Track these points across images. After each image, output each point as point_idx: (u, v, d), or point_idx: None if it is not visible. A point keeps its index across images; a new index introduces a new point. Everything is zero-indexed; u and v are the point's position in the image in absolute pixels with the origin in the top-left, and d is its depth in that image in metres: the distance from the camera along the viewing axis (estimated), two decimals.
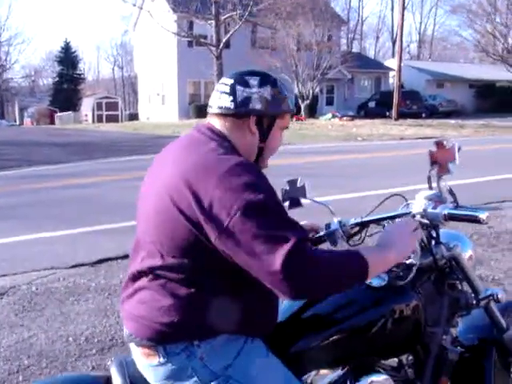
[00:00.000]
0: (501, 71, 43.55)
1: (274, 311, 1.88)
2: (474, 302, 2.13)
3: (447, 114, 39.72)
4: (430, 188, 2.07)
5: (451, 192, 2.03)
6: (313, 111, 37.52)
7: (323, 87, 41.70)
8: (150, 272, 1.75)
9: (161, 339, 1.72)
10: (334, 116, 35.82)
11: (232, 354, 1.73)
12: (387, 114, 35.31)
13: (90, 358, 3.79)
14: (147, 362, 1.77)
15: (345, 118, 34.71)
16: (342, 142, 21.20)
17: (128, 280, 1.86)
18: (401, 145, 19.49)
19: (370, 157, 15.95)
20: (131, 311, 1.80)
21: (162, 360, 1.73)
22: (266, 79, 1.85)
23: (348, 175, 11.76)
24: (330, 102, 43.31)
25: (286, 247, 1.53)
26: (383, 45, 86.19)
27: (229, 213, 1.57)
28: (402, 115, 33.77)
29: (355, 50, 67.21)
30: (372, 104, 40.65)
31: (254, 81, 1.82)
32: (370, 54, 76.46)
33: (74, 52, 70.02)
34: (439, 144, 2.02)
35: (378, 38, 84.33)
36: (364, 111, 40.49)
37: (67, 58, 67.91)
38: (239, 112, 1.81)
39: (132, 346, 1.82)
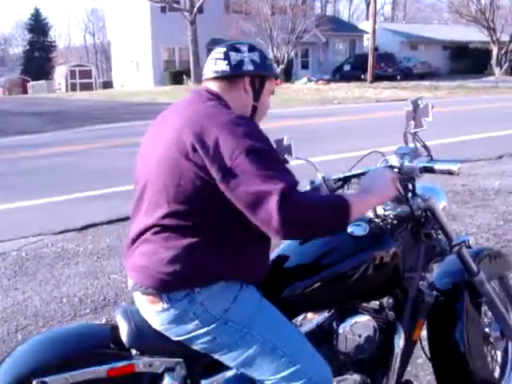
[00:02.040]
0: (474, 32, 43.79)
1: (267, 259, 2.06)
2: (448, 248, 2.32)
3: (422, 76, 39.90)
4: (407, 144, 2.24)
5: (425, 146, 2.20)
6: (288, 75, 37.47)
7: (298, 51, 41.63)
8: (154, 224, 1.89)
9: (164, 287, 1.87)
10: (309, 80, 35.78)
11: (229, 299, 1.89)
12: (362, 77, 35.42)
13: (84, 317, 3.96)
14: (152, 309, 1.92)
15: (320, 82, 34.71)
16: (317, 106, 21.33)
17: (131, 236, 2.01)
18: (376, 107, 19.66)
19: (346, 120, 16.10)
20: (135, 263, 1.95)
21: (165, 306, 1.88)
22: (253, 46, 2.07)
23: (324, 138, 11.91)
24: (305, 66, 43.27)
25: (281, 186, 1.70)
26: (357, 7, 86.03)
27: (231, 155, 1.74)
28: (377, 78, 33.92)
29: (329, 13, 67.02)
30: (347, 67, 40.68)
31: (244, 47, 2.04)
32: (344, 16, 76.21)
33: (45, 19, 68.74)
34: (414, 103, 2.20)
35: (351, 0, 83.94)
36: (339, 75, 40.51)
37: (38, 26, 66.70)
38: (235, 73, 2.00)
39: (136, 294, 1.97)
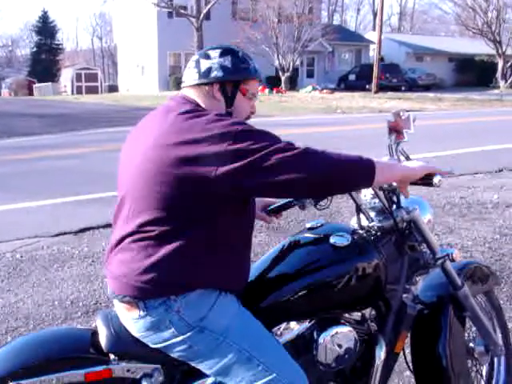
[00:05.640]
0: (480, 45, 43.81)
1: (246, 267, 2.06)
2: (432, 261, 2.32)
3: (427, 88, 39.97)
4: (391, 155, 2.25)
5: (408, 158, 2.21)
6: (293, 84, 37.59)
7: (304, 60, 41.72)
8: (134, 231, 1.90)
9: (141, 295, 1.88)
10: (314, 88, 35.89)
11: (206, 307, 1.89)
12: (367, 86, 35.48)
13: (75, 320, 3.97)
14: (129, 316, 1.93)
15: (325, 91, 34.82)
16: (321, 115, 21.34)
17: (112, 243, 2.01)
18: (379, 117, 19.63)
19: (349, 129, 16.11)
20: (114, 271, 1.96)
21: (142, 313, 1.89)
22: (227, 50, 2.02)
23: (325, 147, 11.89)
24: (310, 75, 43.34)
25: (291, 146, 1.77)
26: (364, 17, 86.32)
27: (220, 145, 1.74)
28: (381, 88, 33.98)
29: (336, 22, 67.22)
30: (352, 77, 40.75)
31: (215, 53, 2.01)
32: (351, 26, 76.35)
33: (52, 22, 69.10)
34: (396, 115, 2.21)
35: (358, 10, 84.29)
36: (344, 84, 40.61)
37: (45, 28, 67.09)
38: (202, 81, 1.99)
39: (115, 301, 1.98)
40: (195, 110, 1.91)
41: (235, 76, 2.00)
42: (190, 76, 2.03)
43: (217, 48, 2.04)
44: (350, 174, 1.84)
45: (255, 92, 2.09)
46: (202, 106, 1.99)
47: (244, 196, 1.91)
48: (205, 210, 1.86)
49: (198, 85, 2.00)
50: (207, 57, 2.01)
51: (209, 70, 1.99)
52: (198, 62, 2.02)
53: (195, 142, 1.78)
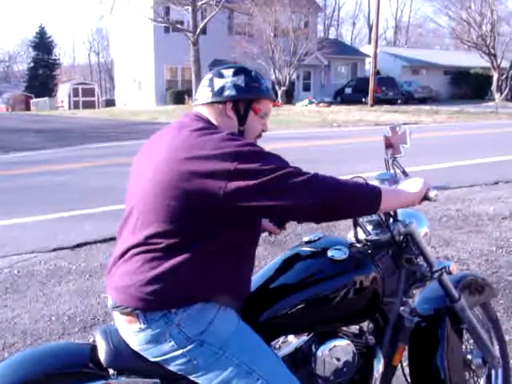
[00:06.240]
0: (475, 58, 44.04)
1: (247, 281, 2.07)
2: (429, 274, 2.34)
3: (422, 101, 40.15)
4: (388, 169, 2.27)
5: (404, 172, 2.23)
6: (290, 97, 37.71)
7: (300, 73, 41.91)
8: (141, 243, 1.91)
9: (142, 307, 1.89)
10: (310, 102, 36.01)
11: (206, 321, 1.90)
12: (363, 100, 35.60)
13: (72, 335, 3.96)
14: (129, 329, 1.94)
15: (321, 104, 34.95)
16: (317, 128, 21.42)
17: (116, 254, 2.02)
18: (375, 131, 19.71)
19: (344, 142, 16.15)
20: (117, 282, 1.96)
21: (142, 326, 1.90)
22: (240, 70, 2.07)
23: (321, 161, 11.94)
24: (306, 88, 43.51)
25: (301, 171, 1.81)
26: (360, 31, 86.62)
27: (231, 163, 1.78)
28: (377, 101, 34.10)
29: (332, 36, 67.57)
30: (348, 90, 40.89)
31: (228, 72, 2.05)
32: (347, 40, 76.75)
33: (50, 37, 69.37)
34: (393, 129, 2.23)
35: (354, 24, 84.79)
36: (340, 97, 40.74)
37: (42, 44, 67.34)
38: (216, 100, 2.03)
39: (115, 314, 1.99)
40: (208, 128, 1.95)
41: (248, 95, 2.04)
42: (203, 94, 2.06)
43: (230, 67, 2.08)
44: (359, 201, 1.90)
45: (267, 111, 2.13)
46: (215, 123, 2.03)
47: (250, 215, 1.93)
48: (211, 225, 1.88)
49: (212, 103, 2.04)
50: (221, 75, 2.05)
51: (222, 88, 2.03)
52: (211, 81, 2.06)
53: (206, 158, 1.81)
